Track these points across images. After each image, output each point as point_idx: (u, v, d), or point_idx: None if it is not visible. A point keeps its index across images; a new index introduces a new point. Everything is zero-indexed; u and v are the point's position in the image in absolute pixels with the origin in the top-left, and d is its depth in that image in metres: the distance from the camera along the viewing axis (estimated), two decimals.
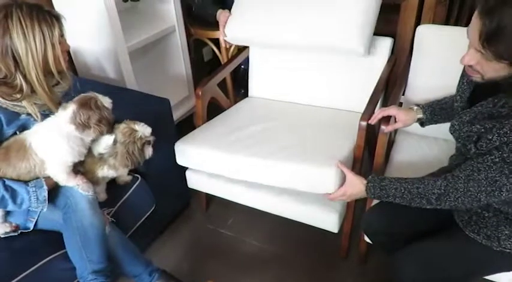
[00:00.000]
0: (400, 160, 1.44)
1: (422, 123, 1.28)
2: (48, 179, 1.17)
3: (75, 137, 1.16)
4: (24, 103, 1.12)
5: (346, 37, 1.53)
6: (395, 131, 1.62)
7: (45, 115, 1.17)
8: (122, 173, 1.38)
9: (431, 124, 1.27)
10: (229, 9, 1.83)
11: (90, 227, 1.17)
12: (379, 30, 2.50)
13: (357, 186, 1.14)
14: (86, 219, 1.17)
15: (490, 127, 0.88)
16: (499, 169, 0.86)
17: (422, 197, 0.99)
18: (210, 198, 1.85)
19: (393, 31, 2.43)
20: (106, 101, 1.21)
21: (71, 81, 1.25)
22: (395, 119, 1.28)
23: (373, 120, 1.30)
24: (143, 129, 1.24)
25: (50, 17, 1.07)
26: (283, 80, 1.81)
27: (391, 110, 1.27)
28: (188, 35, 2.19)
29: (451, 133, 1.06)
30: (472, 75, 0.91)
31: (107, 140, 1.23)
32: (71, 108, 1.15)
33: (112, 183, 1.39)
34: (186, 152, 1.52)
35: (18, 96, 1.10)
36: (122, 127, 1.23)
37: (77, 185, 1.19)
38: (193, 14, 2.18)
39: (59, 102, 1.20)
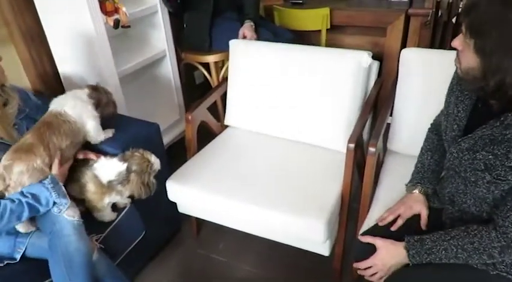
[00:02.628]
0: (389, 181, 1.44)
1: (428, 195, 1.17)
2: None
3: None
4: None
5: (331, 139, 1.60)
6: (384, 151, 1.63)
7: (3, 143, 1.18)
8: (126, 196, 1.38)
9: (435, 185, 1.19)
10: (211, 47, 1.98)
11: (75, 253, 1.15)
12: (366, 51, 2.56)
13: (394, 256, 1.03)
14: (71, 245, 1.15)
15: (503, 152, 0.87)
16: None
17: (482, 253, 0.93)
18: (201, 222, 1.83)
19: (381, 53, 2.50)
20: None
21: (17, 95, 1.26)
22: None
23: (383, 222, 1.15)
24: (157, 162, 1.28)
25: None
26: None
27: (401, 210, 1.14)
28: (179, 59, 2.22)
29: (450, 161, 1.03)
30: (456, 64, 0.93)
31: (118, 168, 1.24)
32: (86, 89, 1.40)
33: None
34: (176, 190, 1.55)
35: None
36: (137, 157, 1.24)
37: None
38: (184, 39, 2.23)
39: (14, 124, 1.20)
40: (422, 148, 1.23)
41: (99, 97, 1.42)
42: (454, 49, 0.90)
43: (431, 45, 2.25)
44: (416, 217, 1.13)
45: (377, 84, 1.66)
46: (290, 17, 2.48)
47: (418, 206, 1.13)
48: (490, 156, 0.89)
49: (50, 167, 1.22)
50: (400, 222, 1.13)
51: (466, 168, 0.97)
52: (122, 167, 1.25)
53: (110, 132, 1.46)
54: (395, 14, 2.33)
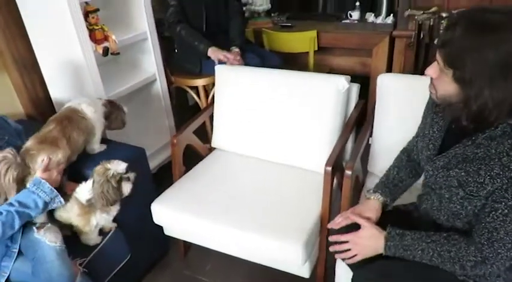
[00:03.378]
0: None
1: (386, 205, 1.18)
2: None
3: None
4: None
5: (312, 161, 1.64)
6: (366, 173, 1.66)
7: None
8: (113, 214, 1.42)
9: (392, 203, 1.21)
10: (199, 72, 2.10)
11: (58, 278, 1.18)
12: (356, 72, 2.63)
13: (374, 240, 1.05)
14: (54, 271, 1.18)
15: (475, 170, 0.91)
16: None
17: (456, 263, 0.95)
18: (188, 244, 1.85)
19: (369, 73, 2.55)
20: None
21: None
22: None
23: (336, 226, 1.16)
24: (115, 166, 1.29)
25: None
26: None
27: (353, 217, 1.13)
28: (169, 82, 2.28)
29: (426, 179, 1.08)
30: (430, 91, 0.96)
31: (87, 185, 1.27)
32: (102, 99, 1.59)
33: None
34: (161, 213, 1.59)
35: None
36: (98, 167, 1.28)
37: None
38: (175, 62, 2.29)
39: None
40: (390, 165, 1.27)
41: (112, 110, 1.61)
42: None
43: (415, 66, 2.31)
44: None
45: (358, 106, 1.70)
46: (279, 39, 2.55)
47: (368, 213, 1.14)
48: (463, 174, 0.93)
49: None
50: (344, 223, 1.14)
51: (441, 185, 1.01)
52: (89, 183, 1.30)
53: (103, 147, 1.59)
54: (380, 36, 2.39)
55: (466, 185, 0.93)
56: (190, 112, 2.82)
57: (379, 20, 2.51)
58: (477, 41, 0.81)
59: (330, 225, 1.19)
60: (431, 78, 0.93)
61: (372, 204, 1.17)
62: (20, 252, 1.25)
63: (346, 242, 1.09)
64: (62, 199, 1.26)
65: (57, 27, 1.69)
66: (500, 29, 0.79)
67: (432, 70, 0.92)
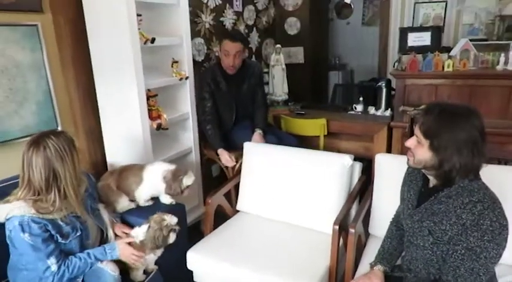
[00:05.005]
0: (369, 260, 1.74)
1: (387, 272, 1.48)
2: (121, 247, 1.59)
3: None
4: (55, 215, 1.43)
5: (321, 223, 1.96)
6: (368, 235, 1.97)
7: (75, 217, 1.53)
8: (158, 255, 1.72)
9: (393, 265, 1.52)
10: (230, 147, 2.49)
11: None
12: (360, 155, 3.03)
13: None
14: None
15: (439, 220, 1.24)
16: (469, 256, 1.17)
17: None
18: None
19: (371, 156, 2.96)
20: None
21: (86, 182, 1.67)
22: None
23: None
24: (170, 219, 1.64)
25: (70, 138, 1.49)
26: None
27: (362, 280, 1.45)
28: (202, 154, 2.71)
29: (407, 232, 1.41)
30: (408, 157, 1.31)
31: (142, 228, 1.61)
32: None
33: None
34: (195, 260, 1.89)
35: (51, 209, 1.42)
36: (155, 216, 1.63)
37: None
38: (206, 140, 2.76)
39: (82, 199, 1.58)
40: (384, 236, 1.60)
41: (170, 182, 1.89)
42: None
43: None
44: None
45: (360, 180, 2.07)
46: (294, 124, 3.03)
47: (375, 279, 1.44)
48: (432, 224, 1.27)
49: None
50: None
51: (417, 236, 1.34)
52: (144, 227, 1.64)
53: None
54: (380, 125, 2.85)
55: (434, 233, 1.27)
56: (215, 182, 3.21)
57: (379, 113, 2.99)
58: (450, 123, 1.19)
59: None
60: (410, 148, 1.31)
61: (376, 273, 1.47)
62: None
63: None
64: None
65: (125, 107, 2.17)
66: (465, 117, 1.19)
67: (410, 142, 1.30)
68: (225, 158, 2.55)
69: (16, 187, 1.49)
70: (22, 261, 1.48)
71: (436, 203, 1.28)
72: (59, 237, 1.46)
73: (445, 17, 3.84)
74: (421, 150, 1.25)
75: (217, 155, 2.60)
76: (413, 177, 1.43)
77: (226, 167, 2.68)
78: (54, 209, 1.44)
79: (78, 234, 1.53)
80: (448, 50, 2.85)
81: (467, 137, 1.18)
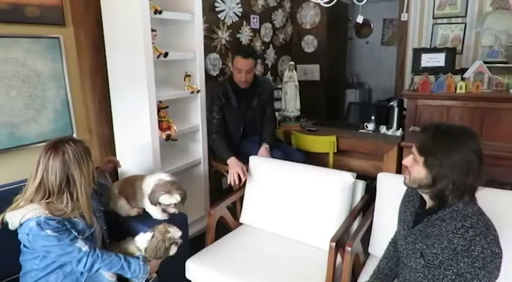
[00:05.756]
0: (366, 278, 1.73)
1: None
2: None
3: None
4: (67, 213, 1.49)
5: (320, 240, 1.95)
6: (367, 255, 1.95)
7: (83, 217, 1.58)
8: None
9: None
10: (238, 156, 2.44)
11: None
12: (371, 174, 3.01)
13: None
14: None
15: (431, 243, 1.23)
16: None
17: None
18: None
19: None
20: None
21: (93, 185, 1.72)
22: None
23: None
24: (174, 232, 1.68)
25: (87, 147, 1.57)
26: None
27: None
28: (210, 166, 2.77)
29: (401, 254, 1.41)
30: (405, 176, 1.32)
31: (146, 236, 1.66)
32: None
33: None
34: (194, 269, 1.92)
35: (65, 209, 1.48)
36: (161, 227, 1.67)
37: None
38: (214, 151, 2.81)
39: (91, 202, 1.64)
40: (381, 256, 1.59)
41: (153, 190, 1.87)
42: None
43: None
44: None
45: (363, 199, 2.07)
46: (304, 140, 3.05)
47: None
48: (424, 246, 1.26)
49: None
50: None
51: (410, 258, 1.33)
52: (148, 235, 1.68)
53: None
54: (390, 145, 2.83)
55: (426, 256, 1.25)
56: (223, 195, 3.24)
57: (390, 132, 2.98)
58: (444, 141, 1.20)
59: None
60: (407, 166, 1.32)
61: None
62: None
63: None
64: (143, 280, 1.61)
65: (137, 117, 2.26)
66: (460, 136, 1.20)
67: (407, 160, 1.31)
68: (235, 170, 2.40)
69: (18, 193, 1.54)
70: (36, 262, 1.53)
71: (429, 226, 1.27)
72: (75, 233, 1.50)
73: (464, 39, 3.82)
74: (417, 168, 1.26)
75: (227, 164, 2.59)
76: (411, 198, 1.43)
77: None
78: (67, 210, 1.49)
79: (92, 230, 1.60)
80: (464, 71, 2.84)
81: (462, 157, 1.18)
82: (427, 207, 1.33)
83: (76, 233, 1.50)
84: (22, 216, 1.44)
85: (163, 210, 1.94)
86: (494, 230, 1.20)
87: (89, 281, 1.58)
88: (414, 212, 1.39)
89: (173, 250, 1.69)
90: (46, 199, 1.48)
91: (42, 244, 1.45)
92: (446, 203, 1.24)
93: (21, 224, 1.46)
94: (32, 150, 1.99)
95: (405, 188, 1.80)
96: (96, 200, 1.78)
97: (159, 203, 1.86)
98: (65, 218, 1.49)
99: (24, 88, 1.99)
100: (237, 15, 3.41)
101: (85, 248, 1.49)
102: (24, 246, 1.54)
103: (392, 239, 1.61)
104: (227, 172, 2.79)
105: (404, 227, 1.40)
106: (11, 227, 1.49)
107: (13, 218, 1.47)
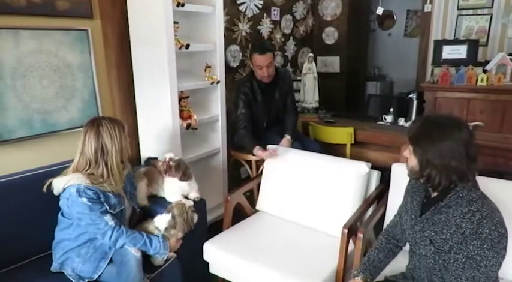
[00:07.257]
0: None
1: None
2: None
3: None
4: (105, 185, 1.67)
5: (334, 227, 1.98)
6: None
7: (115, 195, 1.73)
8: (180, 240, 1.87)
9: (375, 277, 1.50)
10: (263, 145, 2.48)
11: (134, 280, 1.62)
12: (388, 165, 3.02)
13: None
14: (132, 273, 1.62)
15: (440, 230, 1.28)
16: (470, 265, 1.21)
17: None
18: None
19: None
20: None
21: (130, 168, 1.91)
22: None
23: None
24: (187, 202, 1.85)
25: (122, 124, 1.75)
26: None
27: None
28: (229, 156, 2.85)
29: (409, 242, 1.45)
30: (406, 167, 1.38)
31: (166, 217, 1.78)
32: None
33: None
34: (211, 252, 2.02)
35: (101, 180, 1.67)
36: (175, 204, 1.81)
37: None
38: (235, 141, 2.89)
39: (123, 181, 1.80)
40: (372, 246, 1.61)
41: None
42: None
43: None
44: None
45: (377, 188, 2.10)
46: (321, 131, 3.09)
47: None
48: (433, 233, 1.31)
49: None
50: None
51: (420, 246, 1.37)
52: (168, 216, 1.81)
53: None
54: None
55: (435, 242, 1.29)
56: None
57: (408, 124, 2.98)
58: (430, 130, 1.26)
59: None
60: (406, 158, 1.37)
61: None
62: (110, 259, 1.72)
63: None
64: (165, 255, 1.76)
65: (159, 106, 2.35)
66: (447, 126, 1.25)
67: (406, 152, 1.37)
68: (261, 154, 2.46)
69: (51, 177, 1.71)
70: (69, 231, 1.71)
71: (436, 213, 1.32)
72: (106, 206, 1.67)
73: (489, 30, 3.74)
74: (411, 158, 1.33)
75: (253, 155, 2.63)
76: (416, 189, 1.47)
77: (251, 168, 2.79)
78: (103, 180, 1.67)
79: (122, 207, 1.75)
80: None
81: (446, 145, 1.23)
82: (432, 196, 1.37)
83: (107, 207, 1.66)
84: (66, 182, 1.64)
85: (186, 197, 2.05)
86: (499, 212, 1.25)
87: (116, 255, 1.70)
88: (420, 201, 1.43)
89: (195, 217, 1.87)
90: (87, 170, 1.67)
91: (77, 210, 1.62)
92: (445, 190, 1.28)
93: (64, 189, 1.65)
94: (63, 136, 2.13)
95: None
96: (130, 182, 1.90)
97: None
98: (101, 190, 1.65)
99: (56, 78, 2.12)
100: (257, 7, 3.46)
101: (111, 223, 1.64)
102: (62, 215, 1.74)
103: (385, 229, 1.64)
104: (246, 162, 2.88)
105: (412, 216, 1.44)
106: (56, 192, 1.69)
107: (58, 183, 1.66)
